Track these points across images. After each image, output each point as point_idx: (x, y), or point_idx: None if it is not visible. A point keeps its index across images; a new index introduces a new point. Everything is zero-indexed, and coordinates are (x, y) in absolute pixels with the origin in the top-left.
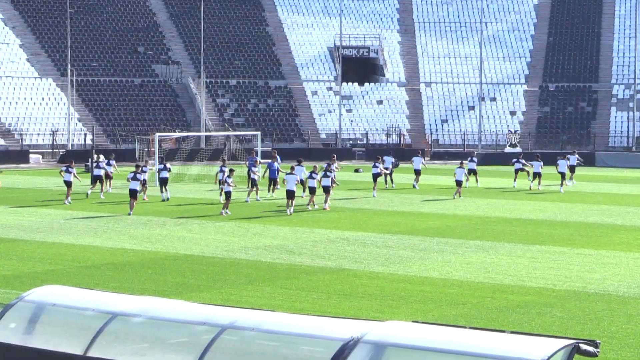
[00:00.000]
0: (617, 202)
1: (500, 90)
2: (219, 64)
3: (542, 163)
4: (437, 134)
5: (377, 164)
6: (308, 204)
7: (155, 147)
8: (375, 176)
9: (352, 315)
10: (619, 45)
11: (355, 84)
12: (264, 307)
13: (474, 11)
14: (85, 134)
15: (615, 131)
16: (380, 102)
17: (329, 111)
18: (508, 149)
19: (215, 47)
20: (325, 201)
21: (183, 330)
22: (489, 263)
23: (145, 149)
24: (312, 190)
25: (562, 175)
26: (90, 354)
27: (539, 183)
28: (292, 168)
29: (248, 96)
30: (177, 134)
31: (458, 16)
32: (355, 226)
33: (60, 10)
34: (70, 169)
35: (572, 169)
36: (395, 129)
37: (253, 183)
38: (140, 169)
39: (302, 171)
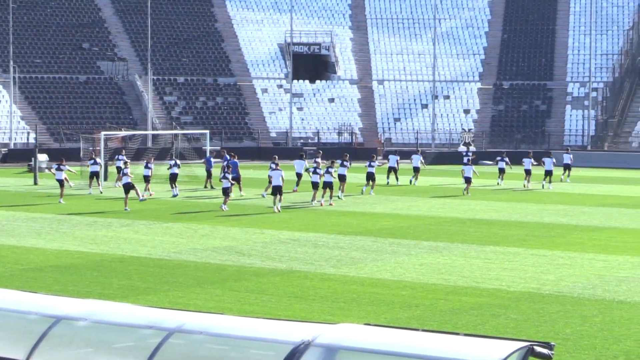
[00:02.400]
0: (572, 202)
1: (453, 88)
2: (166, 61)
3: (554, 160)
4: (390, 133)
5: (372, 163)
6: (312, 200)
7: (101, 146)
8: (370, 175)
9: (303, 318)
10: (574, 43)
11: (307, 81)
12: (212, 310)
13: (427, 7)
14: (28, 133)
15: (570, 130)
16: (331, 100)
17: (280, 109)
18: (462, 148)
19: (163, 44)
20: (331, 197)
21: (129, 334)
22: (442, 264)
23: (90, 148)
24: (315, 186)
25: (547, 172)
26: (33, 359)
27: (529, 181)
28: (277, 164)
29: (196, 94)
30: (123, 133)
31: (411, 12)
32: (306, 227)
33: (2, 5)
34: (61, 167)
35: (567, 166)
36: (347, 128)
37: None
38: (145, 164)
39: (303, 165)
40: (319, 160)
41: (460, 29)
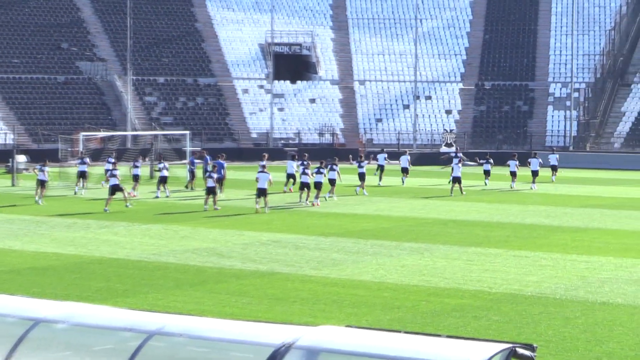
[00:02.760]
0: (554, 202)
1: (435, 88)
2: (146, 61)
3: (540, 160)
4: (372, 133)
5: (362, 163)
6: (316, 199)
7: (80, 147)
8: (361, 175)
9: (284, 320)
10: (555, 43)
11: (287, 82)
12: (192, 312)
13: (409, 8)
14: (6, 134)
15: (552, 130)
16: (312, 101)
17: (260, 110)
18: (444, 149)
19: (143, 44)
20: (317, 197)
21: (109, 337)
22: (424, 266)
23: (69, 149)
24: (306, 186)
25: (534, 173)
26: None
27: (514, 180)
28: (264, 166)
29: (176, 94)
30: (103, 133)
31: (392, 12)
32: (287, 228)
33: None
34: (43, 168)
35: (553, 167)
36: (328, 128)
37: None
38: (133, 164)
39: (294, 166)
40: (307, 162)
41: (441, 29)
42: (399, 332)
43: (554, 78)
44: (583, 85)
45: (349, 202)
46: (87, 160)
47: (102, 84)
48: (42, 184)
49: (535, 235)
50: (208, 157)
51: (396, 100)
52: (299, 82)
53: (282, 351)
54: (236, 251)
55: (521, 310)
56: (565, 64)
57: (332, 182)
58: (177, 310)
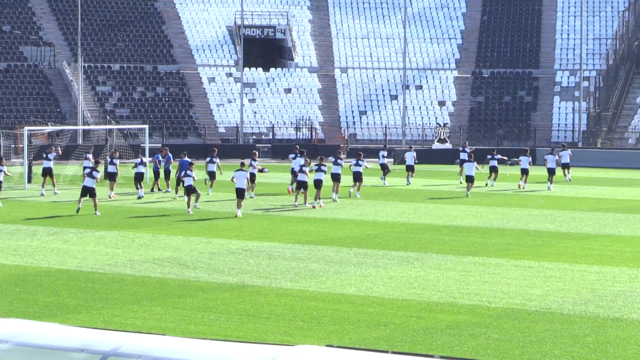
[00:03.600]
0: (560, 206)
1: (427, 76)
2: (99, 46)
3: (530, 159)
4: (355, 128)
5: (359, 162)
6: (315, 200)
7: (25, 143)
8: (357, 175)
9: (256, 339)
10: (562, 26)
11: (260, 69)
12: (152, 330)
13: None
14: None
15: (559, 124)
16: (288, 91)
17: (229, 101)
18: (436, 145)
19: (95, 26)
20: (317, 198)
21: (58, 359)
22: (414, 277)
23: (12, 145)
24: (303, 185)
25: (550, 171)
26: None
27: (525, 181)
28: (242, 164)
29: (134, 84)
30: (50, 128)
31: None
32: (260, 235)
33: None
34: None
35: (565, 165)
36: (306, 122)
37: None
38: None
39: (299, 163)
40: (305, 157)
41: (434, 10)
42: (387, 352)
43: (560, 65)
44: (594, 74)
45: (329, 205)
46: (52, 156)
47: (50, 71)
48: None
49: (539, 243)
50: (170, 155)
51: (382, 91)
52: (272, 69)
53: None
54: (202, 261)
55: (524, 327)
56: (574, 49)
57: (335, 177)
58: (136, 328)
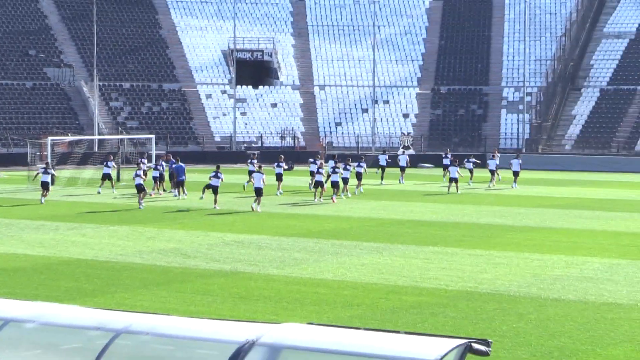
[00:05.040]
0: (508, 203)
1: (393, 93)
2: (112, 67)
3: (497, 162)
4: (332, 137)
5: (361, 163)
6: (315, 198)
7: (48, 151)
8: (358, 175)
9: (248, 318)
10: (508, 49)
11: (250, 87)
12: (158, 311)
13: (367, 15)
14: None
15: (505, 133)
16: (274, 105)
17: (224, 114)
18: (401, 152)
19: (109, 50)
20: (335, 193)
21: (77, 336)
22: (383, 264)
23: (38, 153)
24: (320, 184)
25: (514, 173)
26: None
27: (492, 180)
28: (260, 167)
29: (142, 99)
30: (70, 138)
31: (351, 19)
32: (250, 229)
33: None
34: (48, 171)
35: (515, 173)
36: (289, 132)
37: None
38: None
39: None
40: (320, 160)
41: (399, 36)
42: (359, 328)
43: (507, 82)
44: (535, 90)
45: (310, 203)
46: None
47: (69, 89)
48: (45, 186)
49: (489, 235)
50: (173, 160)
51: (355, 105)
52: (260, 87)
53: (245, 348)
54: (201, 251)
55: (476, 306)
56: (518, 69)
57: (345, 180)
58: (144, 309)
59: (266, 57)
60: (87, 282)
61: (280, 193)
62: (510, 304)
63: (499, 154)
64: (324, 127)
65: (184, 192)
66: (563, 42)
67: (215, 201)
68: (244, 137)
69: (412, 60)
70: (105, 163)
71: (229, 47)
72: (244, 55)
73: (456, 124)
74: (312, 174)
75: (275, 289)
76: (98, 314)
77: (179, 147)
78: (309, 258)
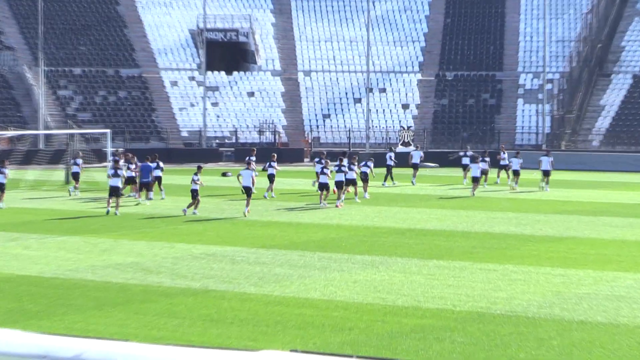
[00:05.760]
0: (525, 209)
1: (390, 79)
2: (60, 50)
3: (521, 160)
4: (319, 131)
5: (367, 163)
6: (339, 199)
7: None
8: (364, 176)
9: (220, 345)
10: (525, 28)
11: (222, 72)
12: (115, 336)
13: None
14: None
15: (522, 127)
16: (251, 94)
17: (192, 105)
18: (400, 149)
19: (56, 30)
20: (339, 197)
21: None
22: (379, 281)
23: None
24: (325, 187)
25: (544, 173)
26: None
27: (516, 182)
28: (249, 163)
29: (95, 87)
30: (11, 133)
31: None
32: (223, 240)
33: None
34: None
35: (515, 172)
36: (269, 126)
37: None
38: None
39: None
40: (325, 160)
41: (397, 13)
42: (351, 356)
43: (524, 68)
44: (557, 76)
45: (293, 209)
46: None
47: (10, 76)
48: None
49: (504, 246)
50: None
51: (346, 94)
52: (235, 73)
53: None
54: (165, 266)
55: (489, 330)
56: (537, 52)
57: (351, 182)
58: (98, 335)
59: (242, 38)
60: (31, 302)
61: (273, 196)
62: (528, 327)
63: (506, 152)
64: (310, 120)
65: (148, 196)
66: (590, 19)
67: (195, 206)
68: (215, 131)
69: (413, 42)
70: (74, 161)
71: (197, 26)
72: (216, 35)
73: (464, 116)
74: (318, 175)
75: (252, 310)
76: (44, 340)
77: (140, 144)
78: (293, 274)
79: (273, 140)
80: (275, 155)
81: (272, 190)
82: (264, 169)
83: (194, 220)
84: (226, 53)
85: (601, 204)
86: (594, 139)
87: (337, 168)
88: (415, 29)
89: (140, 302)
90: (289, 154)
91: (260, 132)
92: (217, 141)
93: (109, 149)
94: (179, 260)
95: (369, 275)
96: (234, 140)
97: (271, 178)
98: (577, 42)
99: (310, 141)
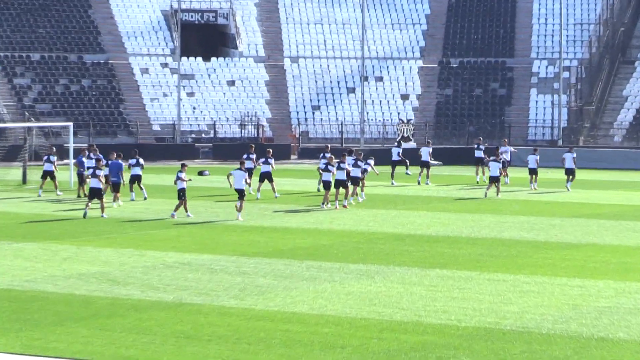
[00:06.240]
0: (538, 212)
1: (388, 67)
2: (16, 33)
3: (538, 157)
4: (307, 125)
5: (368, 161)
6: (324, 203)
7: None
8: (356, 180)
9: None
10: (540, 10)
11: (199, 59)
12: (78, 355)
13: None
14: None
15: (536, 120)
16: (231, 83)
17: (164, 95)
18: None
19: (12, 11)
20: (346, 197)
21: None
22: (374, 293)
23: None
24: (327, 185)
25: (567, 171)
26: None
27: (535, 180)
28: (242, 163)
29: (56, 75)
30: None
31: None
32: (200, 247)
33: None
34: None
35: (532, 171)
36: (251, 118)
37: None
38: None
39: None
40: (329, 154)
41: None
42: None
43: (537, 54)
44: (575, 63)
45: (279, 212)
46: None
47: None
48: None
49: (515, 254)
50: (101, 155)
51: (338, 83)
52: (213, 59)
53: None
54: (134, 276)
55: (498, 348)
56: (552, 36)
57: (354, 180)
58: (59, 353)
59: (221, 20)
60: None
61: (276, 196)
62: (542, 345)
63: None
64: (297, 112)
65: (115, 198)
66: (611, 0)
67: (184, 206)
68: (191, 125)
69: (414, 25)
70: (47, 158)
71: (171, 6)
72: (192, 17)
73: (471, 108)
74: (320, 172)
75: (232, 325)
76: None
77: (106, 139)
78: (278, 285)
79: (256, 135)
80: (271, 151)
81: (274, 191)
82: (256, 165)
83: (167, 225)
84: (203, 37)
85: (623, 206)
86: (616, 134)
87: (337, 166)
88: (416, 10)
89: (106, 316)
90: (274, 150)
91: (242, 126)
92: (193, 136)
93: (71, 145)
94: (149, 270)
95: (363, 287)
96: (212, 135)
97: (268, 176)
98: (597, 25)
99: (297, 136)
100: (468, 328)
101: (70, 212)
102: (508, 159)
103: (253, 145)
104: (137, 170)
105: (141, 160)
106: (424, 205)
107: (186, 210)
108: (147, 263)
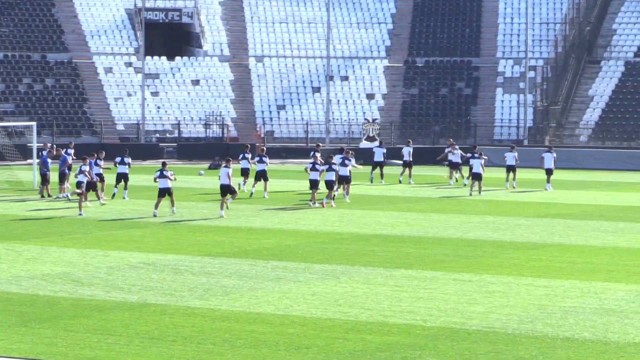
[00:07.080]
0: (504, 212)
1: (353, 66)
2: None
3: (516, 154)
4: (272, 124)
5: (346, 161)
6: (327, 198)
7: None
8: (347, 178)
9: None
10: (505, 9)
11: (163, 58)
12: (42, 356)
13: None
14: None
15: (502, 120)
16: (196, 83)
17: (129, 94)
18: (364, 144)
19: None
20: (329, 196)
21: None
22: (340, 294)
23: None
24: (315, 184)
25: (548, 172)
26: None
27: (514, 179)
28: (228, 161)
29: (19, 74)
30: None
31: None
32: (165, 247)
33: None
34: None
35: (511, 168)
36: (216, 118)
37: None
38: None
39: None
40: (317, 153)
41: None
42: None
43: (503, 53)
44: (541, 62)
45: (244, 212)
46: None
47: None
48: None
49: (481, 254)
50: (66, 156)
51: (303, 82)
52: (177, 58)
53: None
54: (98, 277)
55: (463, 348)
56: (518, 35)
57: (345, 179)
58: (23, 355)
59: (185, 19)
60: None
61: (265, 197)
62: (508, 345)
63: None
64: (262, 112)
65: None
66: None
67: (171, 203)
68: (155, 124)
69: (379, 24)
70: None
71: (135, 5)
72: (156, 16)
73: (437, 107)
74: (307, 171)
75: (197, 326)
76: None
77: (70, 138)
78: (243, 285)
79: (221, 135)
80: (265, 149)
81: (265, 190)
82: (251, 165)
83: (131, 225)
84: (168, 36)
85: (589, 206)
86: (582, 134)
87: (327, 167)
88: (382, 9)
89: (70, 317)
90: (239, 150)
91: (207, 126)
92: (158, 135)
93: (35, 144)
94: (114, 270)
95: (328, 287)
96: (176, 135)
97: (263, 175)
98: (563, 24)
99: (262, 135)
100: (434, 328)
101: (34, 212)
102: (513, 163)
103: (249, 146)
104: (123, 169)
105: (128, 159)
106: (389, 205)
107: (172, 205)
108: (112, 263)
